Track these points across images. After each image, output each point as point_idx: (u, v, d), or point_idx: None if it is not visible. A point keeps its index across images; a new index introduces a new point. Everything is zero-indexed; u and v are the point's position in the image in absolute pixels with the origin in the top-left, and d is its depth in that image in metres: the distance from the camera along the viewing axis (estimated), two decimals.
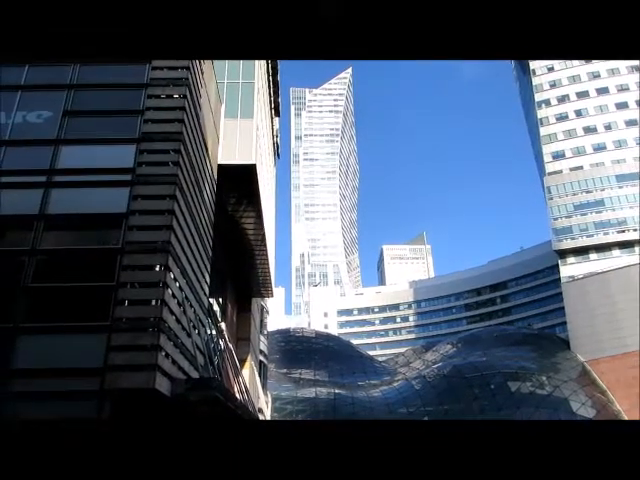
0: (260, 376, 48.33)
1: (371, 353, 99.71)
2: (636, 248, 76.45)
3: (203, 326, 21.47)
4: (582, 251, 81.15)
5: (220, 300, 35.96)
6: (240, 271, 39.44)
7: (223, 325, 33.32)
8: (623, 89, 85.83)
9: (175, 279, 15.97)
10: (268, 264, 39.44)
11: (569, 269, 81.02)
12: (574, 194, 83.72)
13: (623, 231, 79.22)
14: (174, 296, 15.75)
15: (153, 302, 14.57)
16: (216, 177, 23.79)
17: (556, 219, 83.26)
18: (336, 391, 67.39)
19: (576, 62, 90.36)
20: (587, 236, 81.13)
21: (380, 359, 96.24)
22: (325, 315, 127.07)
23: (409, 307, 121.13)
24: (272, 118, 43.17)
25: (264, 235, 34.50)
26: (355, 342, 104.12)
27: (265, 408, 49.19)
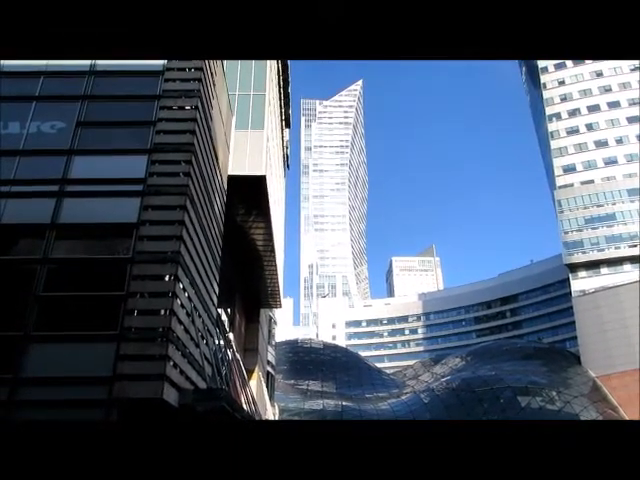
0: (267, 387, 48.16)
1: (379, 365, 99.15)
2: None
3: (211, 336, 21.48)
4: (593, 265, 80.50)
5: (228, 310, 35.98)
6: (249, 281, 39.49)
7: (231, 335, 33.31)
8: (635, 103, 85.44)
9: (184, 289, 16.01)
10: (277, 275, 39.45)
11: (580, 283, 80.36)
12: (585, 208, 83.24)
13: (635, 245, 78.49)
14: (183, 306, 15.79)
15: (162, 312, 14.61)
16: (226, 188, 23.91)
17: (567, 233, 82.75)
18: (344, 403, 66.97)
19: (587, 76, 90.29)
20: (598, 250, 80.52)
21: (388, 371, 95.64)
22: (333, 326, 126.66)
23: (418, 319, 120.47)
24: (282, 129, 43.41)
25: (273, 246, 34.56)
26: (363, 354, 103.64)
27: (272, 419, 48.93)
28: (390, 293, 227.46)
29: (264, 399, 44.35)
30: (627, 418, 63.01)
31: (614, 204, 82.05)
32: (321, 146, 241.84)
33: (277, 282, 40.76)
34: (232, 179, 25.01)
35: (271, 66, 30.97)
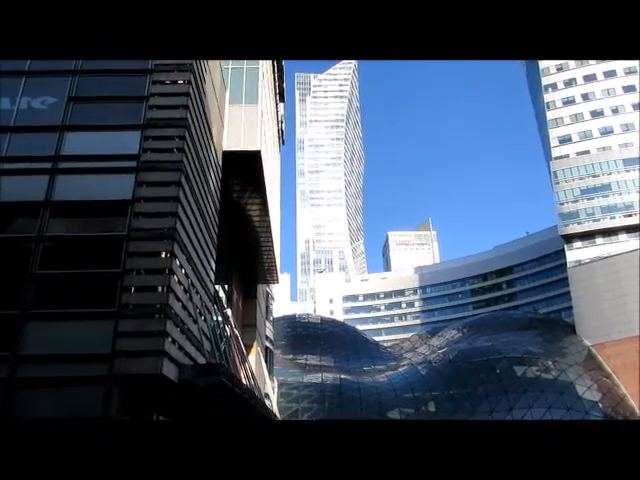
0: (266, 362, 48.59)
1: (377, 339, 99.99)
2: None
3: (209, 312, 21.54)
4: (588, 236, 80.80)
5: (226, 287, 36.06)
6: (246, 258, 39.50)
7: (229, 311, 33.44)
8: (631, 72, 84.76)
9: (181, 266, 15.98)
10: (273, 250, 39.46)
11: (575, 254, 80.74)
12: (581, 178, 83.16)
13: (630, 215, 78.70)
14: (180, 283, 15.78)
15: (159, 289, 14.61)
16: (221, 163, 23.72)
17: (562, 204, 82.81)
18: (342, 376, 67.71)
19: None
20: (593, 220, 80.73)
21: (386, 345, 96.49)
22: (330, 301, 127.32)
23: (414, 293, 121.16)
24: (277, 104, 42.91)
25: (269, 222, 34.48)
26: (361, 328, 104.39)
27: (271, 393, 49.53)
28: (387, 268, 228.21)
29: (263, 374, 44.79)
30: (621, 385, 64.06)
31: (610, 174, 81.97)
32: (316, 120, 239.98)
33: (274, 258, 40.80)
34: (227, 155, 24.78)
35: None
